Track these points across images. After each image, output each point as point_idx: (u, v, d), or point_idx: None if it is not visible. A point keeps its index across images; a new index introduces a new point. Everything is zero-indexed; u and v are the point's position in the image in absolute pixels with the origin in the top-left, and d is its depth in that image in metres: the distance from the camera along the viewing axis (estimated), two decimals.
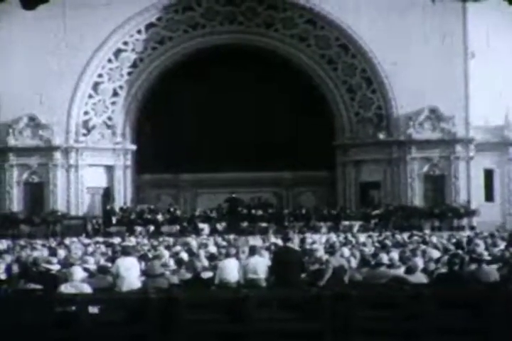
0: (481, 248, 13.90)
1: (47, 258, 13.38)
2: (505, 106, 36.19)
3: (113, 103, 38.41)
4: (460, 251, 13.90)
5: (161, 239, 25.68)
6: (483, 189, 37.12)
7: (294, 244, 13.84)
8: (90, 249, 18.04)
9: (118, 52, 37.60)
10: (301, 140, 38.50)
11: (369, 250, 15.75)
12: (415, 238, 21.56)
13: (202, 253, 14.49)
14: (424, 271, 12.21)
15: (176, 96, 38.84)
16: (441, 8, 35.28)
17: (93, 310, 9.47)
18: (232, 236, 25.36)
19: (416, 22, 36.05)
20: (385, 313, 9.42)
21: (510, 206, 37.20)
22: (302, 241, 19.62)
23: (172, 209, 36.26)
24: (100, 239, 26.25)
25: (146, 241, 24.31)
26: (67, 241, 24.46)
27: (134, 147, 38.96)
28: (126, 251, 12.55)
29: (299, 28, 38.06)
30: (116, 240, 23.84)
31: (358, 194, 38.27)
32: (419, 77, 35.69)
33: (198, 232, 32.69)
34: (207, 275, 12.65)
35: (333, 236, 23.03)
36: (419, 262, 12.37)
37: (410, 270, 11.73)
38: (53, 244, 22.54)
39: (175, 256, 14.43)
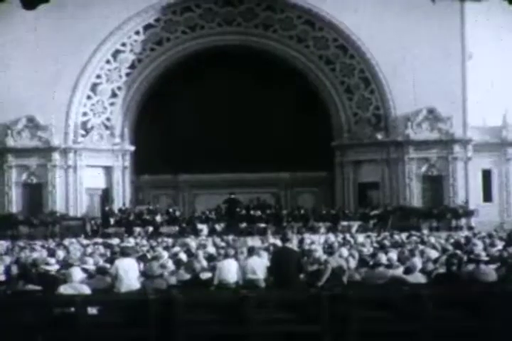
0: (479, 248, 13.88)
1: (46, 259, 13.36)
2: (503, 107, 36.17)
3: (111, 104, 38.41)
4: (458, 252, 13.90)
5: (159, 239, 25.66)
6: (481, 189, 37.15)
7: (293, 245, 13.88)
8: (89, 250, 17.96)
9: (116, 53, 37.59)
10: (300, 140, 38.41)
11: (367, 250, 15.76)
12: (413, 238, 21.57)
13: (201, 253, 14.46)
14: (423, 271, 12.21)
15: (175, 97, 38.84)
16: (439, 9, 35.24)
17: (92, 311, 9.48)
18: (230, 237, 25.29)
19: (414, 23, 36.02)
20: (384, 313, 9.44)
21: (508, 206, 37.22)
22: (301, 241, 19.68)
23: (171, 210, 36.28)
24: (99, 240, 26.19)
25: (144, 241, 24.24)
26: (66, 242, 24.42)
27: (132, 148, 38.92)
28: (125, 252, 12.51)
29: (297, 29, 38.08)
30: (115, 241, 23.81)
31: (357, 194, 38.27)
32: (417, 78, 35.72)
33: (196, 233, 32.68)
34: (206, 275, 12.64)
35: (331, 237, 22.99)
36: (418, 262, 12.37)
37: (409, 270, 11.75)
38: (52, 244, 22.53)
39: (174, 256, 14.44)
